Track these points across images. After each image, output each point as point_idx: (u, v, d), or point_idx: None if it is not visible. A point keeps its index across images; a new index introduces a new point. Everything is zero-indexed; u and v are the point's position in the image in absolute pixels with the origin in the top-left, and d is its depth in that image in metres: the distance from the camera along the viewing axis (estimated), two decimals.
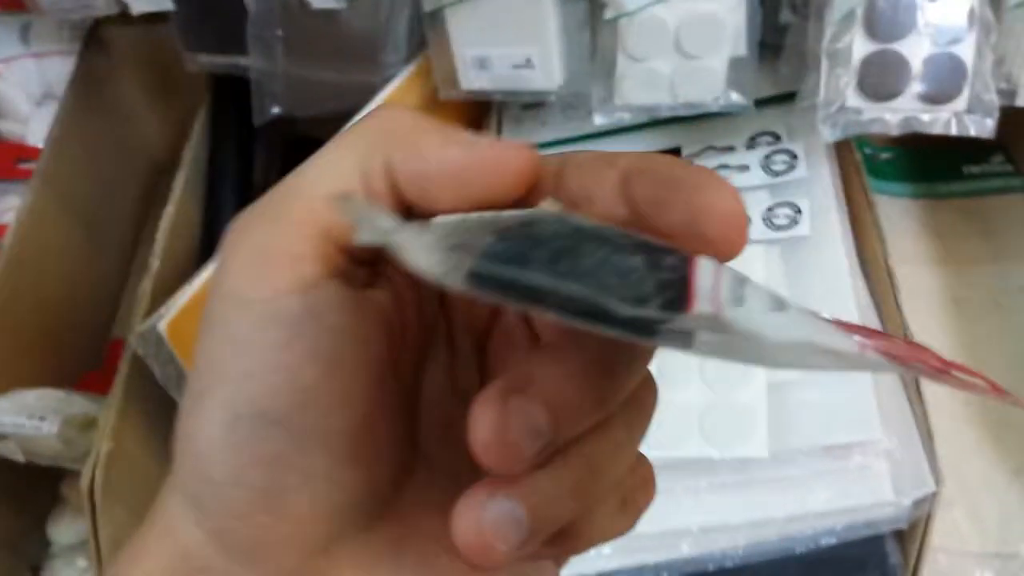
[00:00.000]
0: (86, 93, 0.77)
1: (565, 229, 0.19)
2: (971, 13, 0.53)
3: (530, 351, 0.25)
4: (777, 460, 0.51)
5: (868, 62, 0.54)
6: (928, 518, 0.50)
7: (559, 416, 0.20)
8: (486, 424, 0.19)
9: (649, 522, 0.51)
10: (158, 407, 0.58)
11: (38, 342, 0.69)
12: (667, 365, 0.53)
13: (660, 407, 0.52)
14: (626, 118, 0.62)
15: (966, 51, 0.53)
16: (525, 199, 0.22)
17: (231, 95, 0.72)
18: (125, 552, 0.23)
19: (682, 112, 0.61)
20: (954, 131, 0.54)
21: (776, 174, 0.61)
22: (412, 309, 0.25)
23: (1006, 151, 0.77)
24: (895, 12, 0.53)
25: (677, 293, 0.18)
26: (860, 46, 0.54)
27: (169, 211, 0.65)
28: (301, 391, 0.21)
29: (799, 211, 0.58)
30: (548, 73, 0.62)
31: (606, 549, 0.53)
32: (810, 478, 0.51)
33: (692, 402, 0.53)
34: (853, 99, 0.54)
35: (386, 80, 0.64)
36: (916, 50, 0.53)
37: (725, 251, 0.20)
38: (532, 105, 0.70)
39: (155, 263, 0.62)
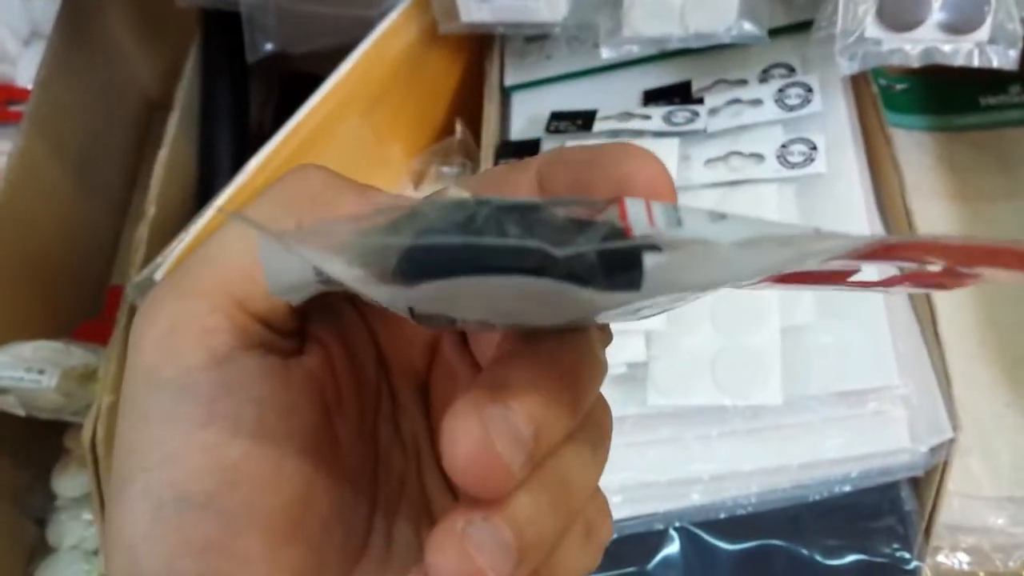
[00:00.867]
0: (74, 31, 0.74)
1: (482, 206, 0.18)
2: None
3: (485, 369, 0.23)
4: (791, 407, 0.50)
5: None
6: (944, 465, 0.49)
7: (537, 422, 0.18)
8: (466, 436, 0.17)
9: (660, 470, 0.51)
10: None
11: (33, 290, 0.68)
12: (677, 311, 0.52)
13: (672, 354, 0.51)
14: (634, 50, 0.59)
15: None
16: None
17: (223, 31, 0.69)
18: None
19: (693, 43, 0.59)
20: (976, 63, 0.52)
21: (790, 108, 0.58)
22: (346, 370, 0.23)
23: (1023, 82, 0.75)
24: None
25: (613, 229, 0.17)
26: None
27: (163, 154, 0.63)
28: (226, 470, 0.20)
29: (814, 147, 0.56)
30: (553, 3, 0.60)
31: (616, 497, 0.52)
32: (824, 425, 0.50)
33: (704, 348, 0.51)
34: (872, 29, 0.52)
35: (383, 13, 0.61)
36: None
37: None
38: (536, 38, 0.68)
39: (151, 209, 0.60)
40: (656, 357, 0.52)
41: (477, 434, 0.17)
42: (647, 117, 0.60)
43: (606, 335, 0.23)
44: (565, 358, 0.20)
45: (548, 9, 0.60)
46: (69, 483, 0.62)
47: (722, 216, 0.17)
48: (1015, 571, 0.55)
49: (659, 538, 0.52)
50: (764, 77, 0.62)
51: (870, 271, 0.19)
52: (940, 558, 0.55)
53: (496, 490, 0.18)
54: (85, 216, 0.76)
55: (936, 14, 0.51)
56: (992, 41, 0.51)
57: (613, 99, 0.63)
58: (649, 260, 0.16)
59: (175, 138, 0.64)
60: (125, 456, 0.21)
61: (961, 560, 0.56)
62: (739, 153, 0.58)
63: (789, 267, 0.17)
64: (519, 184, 0.21)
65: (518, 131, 0.65)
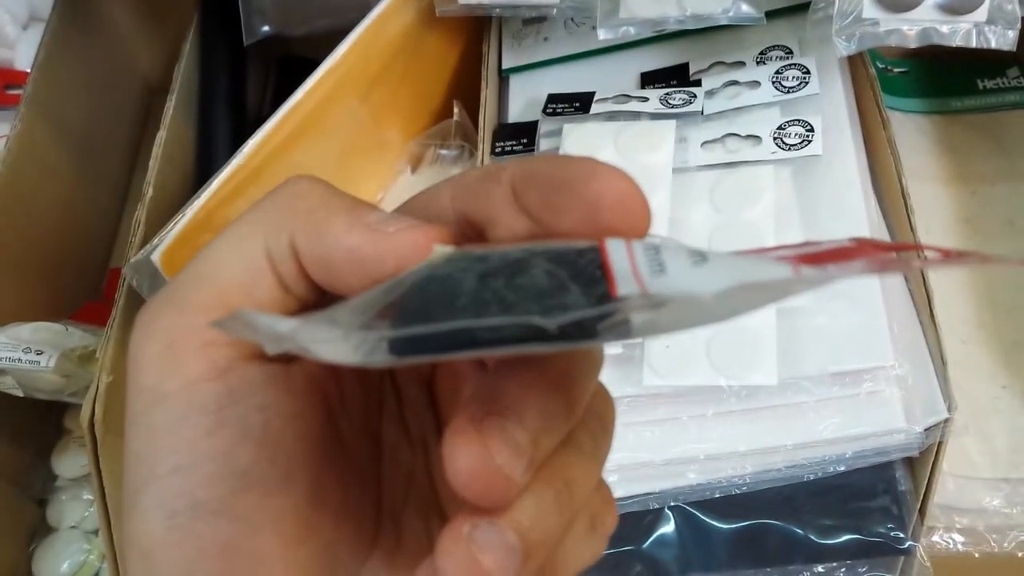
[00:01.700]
0: (72, 14, 0.74)
1: (468, 269, 0.18)
2: None
3: (482, 376, 0.23)
4: (786, 387, 0.50)
5: None
6: (939, 445, 0.49)
7: (534, 428, 0.19)
8: (465, 453, 0.18)
9: (655, 450, 0.51)
10: None
11: (34, 273, 0.68)
12: None
13: (668, 334, 0.51)
14: (631, 32, 0.59)
15: None
16: None
17: (221, 14, 0.69)
18: None
19: (690, 25, 0.59)
20: (974, 43, 0.52)
21: (788, 90, 0.58)
22: (349, 372, 0.24)
23: (1022, 64, 0.75)
24: None
25: (599, 286, 0.17)
26: None
27: (161, 136, 0.63)
28: (237, 476, 0.21)
29: (811, 129, 0.56)
30: None
31: (612, 477, 0.52)
32: (819, 405, 0.50)
33: (699, 329, 0.51)
34: (870, 9, 0.52)
35: None
36: None
37: (633, 232, 0.20)
38: (533, 21, 0.68)
39: (148, 190, 0.60)
40: (652, 338, 0.52)
41: (477, 450, 0.18)
42: (644, 99, 0.60)
43: None
44: (557, 361, 0.20)
45: None
46: (69, 463, 0.63)
47: (703, 258, 0.18)
48: (1010, 552, 0.56)
49: (655, 517, 0.53)
50: (761, 59, 0.62)
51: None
52: (935, 539, 0.55)
53: (499, 500, 0.19)
54: (85, 199, 0.76)
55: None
56: (990, 22, 0.51)
57: (610, 81, 0.63)
58: (636, 318, 0.17)
59: (173, 120, 0.64)
60: (135, 468, 0.21)
61: (956, 540, 0.56)
62: (736, 135, 0.58)
63: (768, 305, 0.18)
64: (492, 197, 0.21)
65: (516, 113, 0.65)
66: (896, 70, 0.76)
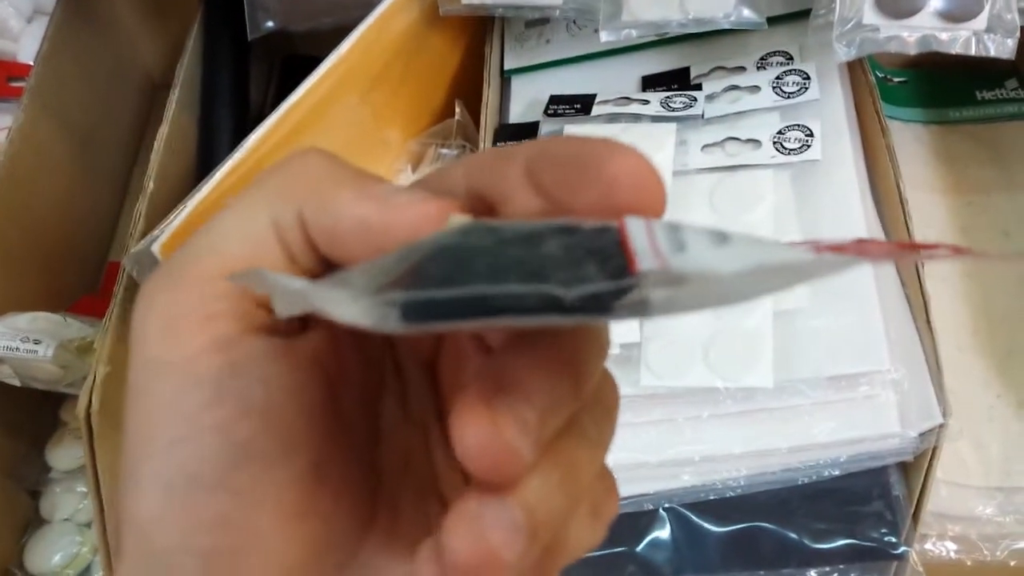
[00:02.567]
0: (76, 9, 0.74)
1: (484, 239, 0.18)
2: None
3: (488, 357, 0.23)
4: (782, 390, 0.50)
5: None
6: (934, 451, 0.49)
7: (542, 407, 0.19)
8: (475, 429, 0.18)
9: (651, 451, 0.51)
10: None
11: (33, 266, 0.68)
12: None
13: (666, 335, 0.51)
14: (633, 35, 0.60)
15: None
16: None
17: (225, 10, 0.69)
18: None
19: (692, 29, 0.59)
20: (973, 51, 0.52)
21: (788, 96, 0.59)
22: (351, 348, 0.24)
23: (1020, 76, 0.75)
24: None
25: (617, 261, 0.17)
26: None
27: (163, 131, 0.63)
28: (235, 448, 0.20)
29: (811, 134, 0.56)
30: None
31: None
32: (815, 408, 0.51)
33: (697, 330, 0.52)
34: (870, 16, 0.52)
35: None
36: None
37: (650, 211, 0.20)
38: (535, 22, 0.68)
39: (150, 184, 0.60)
40: (649, 338, 0.52)
41: (487, 425, 0.18)
42: (645, 102, 0.60)
43: None
44: (566, 341, 0.20)
45: None
46: (63, 455, 0.62)
47: (724, 238, 0.18)
48: (1002, 560, 0.56)
49: (649, 519, 0.53)
50: (762, 64, 0.62)
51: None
52: (928, 546, 0.55)
53: (508, 476, 0.19)
54: (86, 192, 0.76)
55: (934, 2, 0.51)
56: (989, 30, 0.52)
57: (611, 84, 0.64)
58: (656, 295, 0.17)
59: (175, 115, 0.65)
60: (134, 441, 0.21)
61: (948, 548, 0.56)
62: (736, 139, 0.58)
63: (787, 287, 0.17)
64: (507, 176, 0.21)
65: (517, 114, 0.65)
66: (895, 79, 0.76)
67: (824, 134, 0.57)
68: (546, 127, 0.61)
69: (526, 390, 0.19)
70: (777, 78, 0.59)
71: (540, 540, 0.20)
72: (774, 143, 0.57)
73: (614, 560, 0.53)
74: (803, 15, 0.60)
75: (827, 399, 0.50)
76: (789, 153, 0.56)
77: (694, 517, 0.53)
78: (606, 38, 0.59)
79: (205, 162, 0.67)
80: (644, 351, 0.51)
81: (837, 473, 0.51)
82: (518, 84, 0.67)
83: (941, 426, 0.49)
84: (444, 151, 0.69)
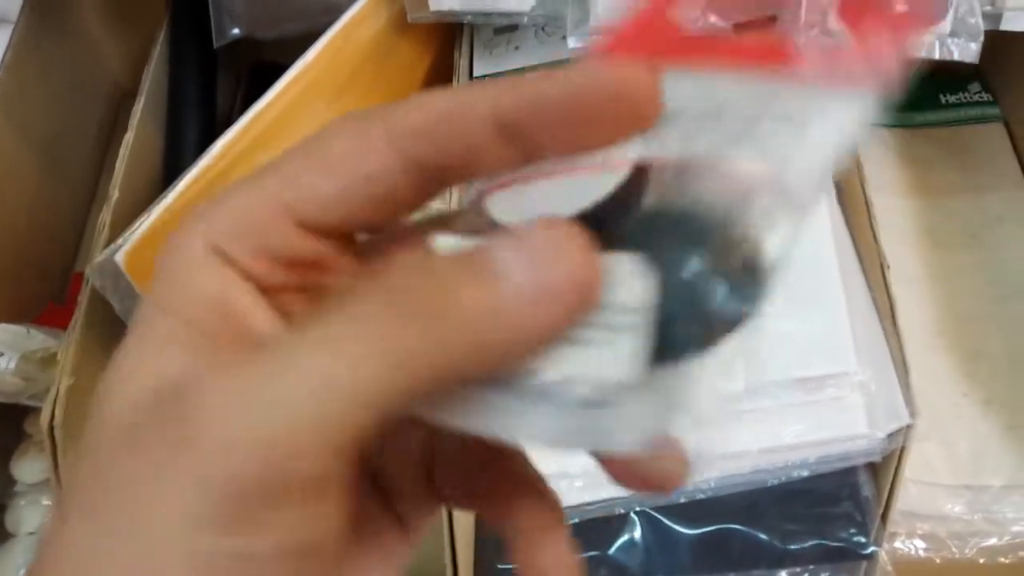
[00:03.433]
0: (41, 16, 0.73)
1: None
2: None
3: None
4: (751, 392, 0.50)
5: None
6: (902, 451, 0.50)
7: None
8: None
9: None
10: (119, 340, 0.56)
11: None
12: None
13: None
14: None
15: None
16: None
17: (191, 17, 0.69)
18: None
19: None
20: (938, 55, 0.52)
21: None
22: None
23: (983, 80, 0.76)
24: None
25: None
26: None
27: (129, 139, 0.62)
28: None
29: None
30: None
31: (577, 481, 0.52)
32: (784, 410, 0.51)
33: None
34: (834, 21, 0.52)
35: (351, 0, 0.61)
36: None
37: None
38: (504, 29, 0.68)
39: (115, 192, 0.59)
40: None
41: None
42: None
43: None
44: None
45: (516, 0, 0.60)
46: (28, 468, 0.61)
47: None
48: (971, 558, 0.56)
49: (620, 522, 0.53)
50: None
51: None
52: (896, 544, 0.56)
53: None
54: (51, 201, 0.75)
55: (898, 6, 0.52)
56: (953, 34, 0.52)
57: None
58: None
59: (141, 123, 0.64)
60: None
61: (917, 546, 0.56)
62: None
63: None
64: (471, 134, 0.18)
65: None
66: None
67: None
68: None
69: None
70: None
71: None
72: None
73: (586, 563, 0.53)
74: (770, 20, 0.60)
75: (796, 401, 0.51)
76: None
77: (665, 520, 0.53)
78: (574, 44, 0.59)
79: (171, 169, 0.66)
80: None
81: (806, 474, 0.51)
82: None
83: (909, 426, 0.50)
84: None
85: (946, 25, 0.52)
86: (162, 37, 0.70)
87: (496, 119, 0.18)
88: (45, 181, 0.75)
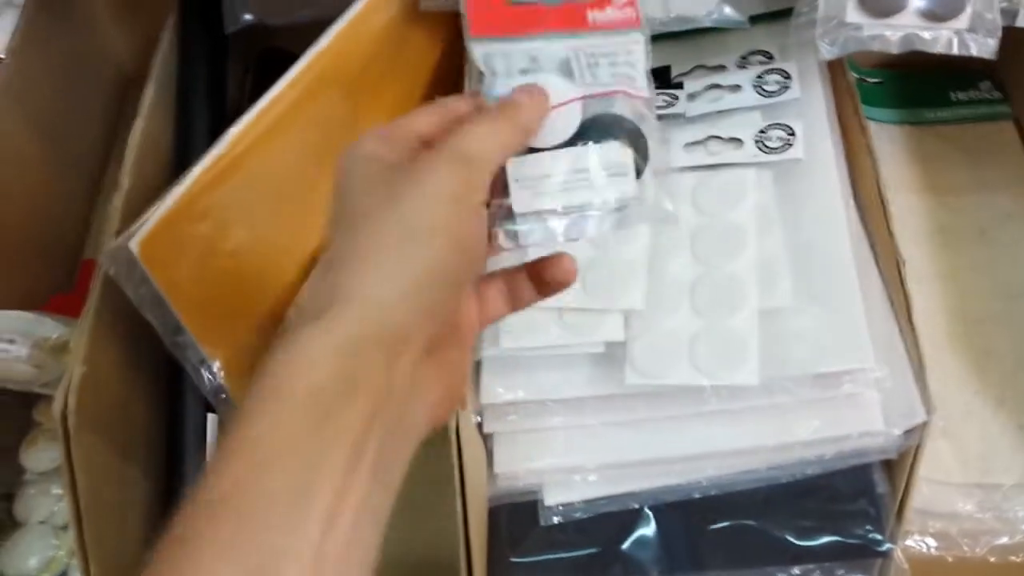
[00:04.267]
0: (48, 1, 0.73)
1: None
2: None
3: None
4: (767, 388, 0.50)
5: None
6: (917, 448, 0.50)
7: None
8: None
9: (635, 450, 0.51)
10: (132, 329, 0.56)
11: (4, 263, 0.67)
12: (656, 291, 0.52)
13: (651, 334, 0.51)
14: None
15: None
16: None
17: (201, 3, 0.68)
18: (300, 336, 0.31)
19: (674, 27, 0.59)
20: (956, 50, 0.52)
21: (769, 94, 0.59)
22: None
23: (993, 78, 0.76)
24: None
25: None
26: None
27: (138, 126, 0.62)
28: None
29: (792, 133, 0.57)
30: None
31: (592, 476, 0.52)
32: (800, 406, 0.51)
33: (682, 328, 0.52)
34: (853, 14, 0.52)
35: None
36: None
37: None
38: None
39: (125, 180, 0.59)
40: (634, 337, 0.52)
41: None
42: None
43: None
44: None
45: None
46: (38, 457, 0.61)
47: None
48: (982, 557, 0.56)
49: (634, 517, 0.53)
50: (742, 63, 0.62)
51: None
52: (909, 542, 0.56)
53: None
54: (58, 188, 0.75)
55: (916, 1, 0.52)
56: (971, 29, 0.52)
57: None
58: None
59: (151, 110, 0.63)
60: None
61: (929, 544, 0.56)
62: (718, 137, 0.58)
63: None
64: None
65: None
66: (871, 80, 0.77)
67: (806, 133, 0.57)
68: None
69: None
70: (758, 77, 0.60)
71: None
72: (756, 142, 0.57)
73: (599, 558, 0.52)
74: (783, 15, 0.60)
75: (812, 397, 0.51)
76: (771, 152, 0.56)
77: (679, 515, 0.53)
78: None
79: (181, 157, 0.65)
80: (629, 350, 0.51)
81: (821, 471, 0.51)
82: None
83: (925, 423, 0.49)
84: None
85: (964, 20, 0.52)
86: (171, 24, 0.70)
87: None
88: (51, 168, 0.74)
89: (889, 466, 0.53)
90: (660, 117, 0.59)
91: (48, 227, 0.73)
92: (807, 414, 0.51)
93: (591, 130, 0.39)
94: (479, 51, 0.39)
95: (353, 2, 0.60)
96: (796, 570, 0.52)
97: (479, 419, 0.53)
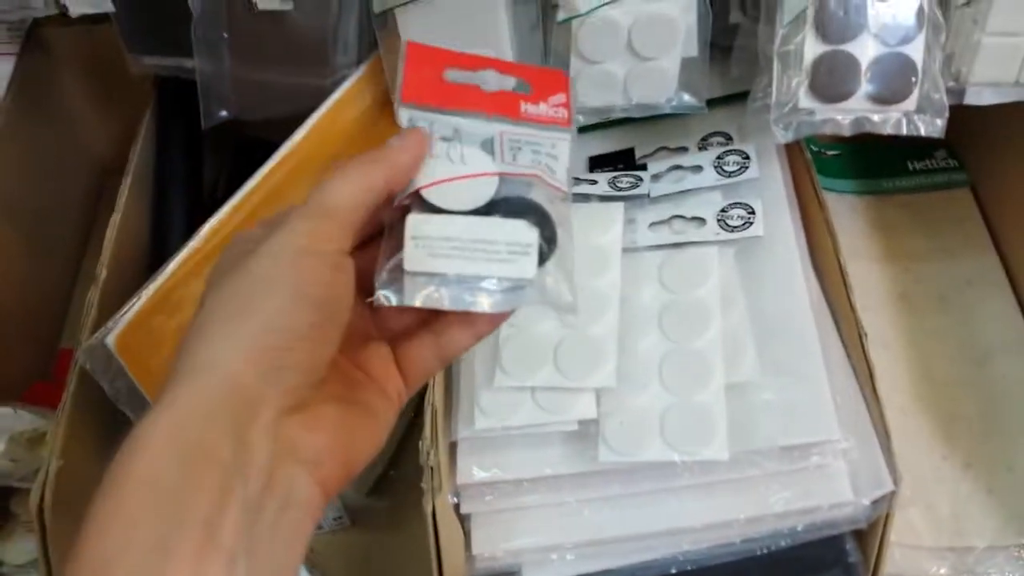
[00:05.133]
0: (27, 95, 0.74)
1: None
2: (920, 12, 0.53)
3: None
4: (737, 462, 0.51)
5: (819, 63, 0.54)
6: (887, 517, 0.51)
7: None
8: None
9: (612, 527, 0.52)
10: (108, 421, 0.56)
11: None
12: (627, 369, 0.54)
13: (622, 411, 0.52)
14: (580, 120, 0.62)
15: (916, 51, 0.54)
16: None
17: (177, 98, 0.70)
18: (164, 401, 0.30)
19: (635, 113, 0.61)
20: (904, 131, 0.55)
21: (729, 175, 0.61)
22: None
23: (949, 147, 0.78)
24: (845, 13, 0.53)
25: None
26: (811, 47, 0.54)
27: (116, 218, 0.63)
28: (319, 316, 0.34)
29: (752, 211, 0.58)
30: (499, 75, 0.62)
31: (569, 555, 0.53)
32: (770, 479, 0.52)
33: (652, 405, 0.53)
34: (805, 100, 0.54)
35: (336, 83, 0.63)
36: (867, 51, 0.54)
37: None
38: None
39: (102, 272, 0.60)
40: (607, 414, 0.53)
41: None
42: (593, 182, 0.62)
43: None
44: None
45: (495, 80, 0.62)
46: (14, 549, 0.61)
47: None
48: None
49: None
50: (703, 145, 0.65)
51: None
52: None
53: None
54: (36, 277, 0.75)
55: (865, 86, 0.54)
56: (919, 111, 0.54)
57: None
58: None
59: (128, 202, 0.65)
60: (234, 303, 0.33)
61: None
62: (681, 217, 0.60)
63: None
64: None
65: None
66: (829, 152, 0.79)
67: (765, 211, 0.59)
68: None
69: None
70: (718, 158, 0.62)
71: None
72: (718, 220, 0.59)
73: None
74: (740, 97, 0.62)
75: (781, 469, 0.52)
76: (732, 230, 0.58)
77: None
78: None
79: (158, 248, 0.67)
80: (602, 427, 0.52)
81: (794, 542, 0.52)
82: None
83: (893, 493, 0.50)
84: None
85: (912, 103, 0.54)
86: (148, 117, 0.71)
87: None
88: (29, 256, 0.75)
89: (860, 535, 0.54)
90: (625, 198, 0.60)
91: (26, 315, 0.74)
92: (778, 486, 0.52)
93: (502, 206, 0.39)
94: (405, 115, 0.40)
95: (327, 96, 0.62)
96: None
97: (456, 500, 0.53)
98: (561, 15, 0.57)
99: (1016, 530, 0.58)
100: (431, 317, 0.40)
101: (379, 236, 0.39)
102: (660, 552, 0.53)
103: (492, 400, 0.53)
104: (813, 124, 0.54)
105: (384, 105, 0.64)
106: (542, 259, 0.39)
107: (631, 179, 0.62)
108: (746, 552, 0.52)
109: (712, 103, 0.62)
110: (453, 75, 0.41)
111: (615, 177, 0.62)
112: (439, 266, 0.37)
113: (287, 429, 0.32)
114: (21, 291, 0.74)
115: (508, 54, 0.59)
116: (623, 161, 0.65)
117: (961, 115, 0.55)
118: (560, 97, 0.42)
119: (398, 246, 0.37)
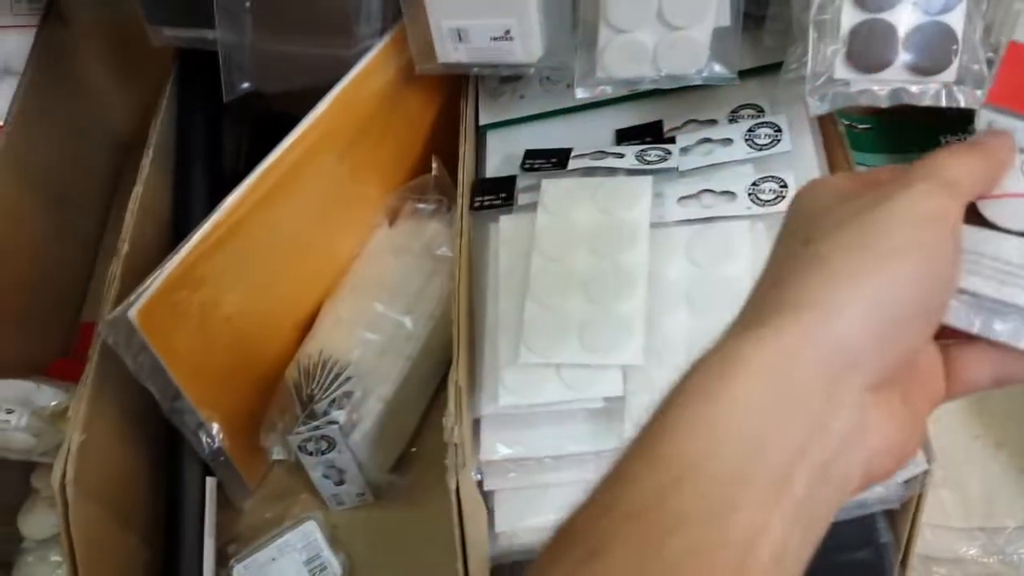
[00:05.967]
0: (47, 68, 0.74)
1: None
2: None
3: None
4: None
5: (856, 32, 0.52)
6: (919, 497, 0.50)
7: None
8: None
9: None
10: (130, 395, 0.56)
11: (4, 327, 0.67)
12: (653, 346, 0.53)
13: (649, 388, 0.51)
14: (608, 91, 0.60)
15: (956, 20, 0.52)
16: None
17: (198, 70, 0.69)
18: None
19: (665, 85, 0.60)
20: (944, 103, 0.53)
21: (760, 148, 0.59)
22: None
23: None
24: None
25: None
26: (848, 16, 0.52)
27: (137, 191, 0.63)
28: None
29: (785, 185, 0.57)
30: (528, 46, 0.61)
31: None
32: None
33: None
34: (841, 71, 0.53)
35: (360, 54, 0.62)
36: (905, 19, 0.52)
37: None
38: (510, 78, 0.69)
39: (124, 246, 0.60)
40: (633, 392, 0.52)
41: None
42: (620, 155, 0.60)
43: None
44: None
45: (523, 51, 0.61)
46: (36, 524, 0.61)
47: None
48: None
49: None
50: (733, 117, 0.63)
51: None
52: None
53: None
54: (58, 252, 0.75)
55: (903, 56, 0.52)
56: (959, 82, 0.53)
57: (585, 138, 0.64)
58: None
59: (149, 176, 0.64)
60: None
61: None
62: (711, 191, 0.59)
63: None
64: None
65: (493, 168, 0.65)
66: (861, 126, 0.77)
67: (797, 185, 0.57)
68: (523, 181, 0.62)
69: None
70: (749, 130, 0.60)
71: None
72: (749, 195, 0.57)
73: None
74: (773, 68, 0.61)
75: None
76: (764, 204, 0.57)
77: None
78: (581, 95, 0.60)
79: (180, 222, 0.66)
80: (628, 405, 0.51)
81: None
82: (493, 139, 0.67)
83: (926, 472, 0.49)
84: (420, 205, 0.69)
85: (951, 73, 0.53)
86: (169, 90, 0.71)
87: None
88: (51, 232, 0.75)
89: (892, 515, 0.53)
90: (653, 172, 0.59)
91: (48, 291, 0.74)
92: None
93: None
94: (985, 118, 0.36)
95: (349, 68, 0.61)
96: None
97: (479, 477, 0.53)
98: None
99: None
100: None
101: None
102: None
103: (516, 377, 0.53)
104: (849, 95, 0.53)
105: (408, 77, 0.63)
106: None
107: (659, 152, 0.61)
108: None
109: (743, 74, 0.61)
110: None
111: (643, 150, 0.61)
112: (973, 284, 0.34)
113: (867, 408, 0.30)
114: (43, 266, 0.74)
115: (534, 23, 0.58)
116: (651, 134, 0.64)
117: None
118: None
119: None
